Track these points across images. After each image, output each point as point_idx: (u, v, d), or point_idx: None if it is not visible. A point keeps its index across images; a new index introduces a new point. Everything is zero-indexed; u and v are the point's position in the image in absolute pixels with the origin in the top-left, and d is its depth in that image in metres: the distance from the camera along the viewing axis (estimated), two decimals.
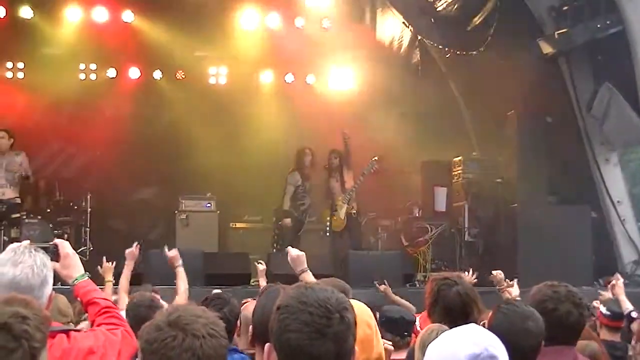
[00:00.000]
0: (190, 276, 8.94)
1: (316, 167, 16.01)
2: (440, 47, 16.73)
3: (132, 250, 8.91)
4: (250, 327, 4.26)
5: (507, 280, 8.67)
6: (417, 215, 17.06)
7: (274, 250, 15.87)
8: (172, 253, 8.61)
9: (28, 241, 4.33)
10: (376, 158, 15.52)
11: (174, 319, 3.01)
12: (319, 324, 2.86)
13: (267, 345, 3.00)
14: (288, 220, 15.83)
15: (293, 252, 6.46)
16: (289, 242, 15.46)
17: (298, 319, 2.88)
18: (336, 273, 11.76)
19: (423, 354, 4.16)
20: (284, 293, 3.05)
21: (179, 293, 8.26)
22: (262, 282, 9.16)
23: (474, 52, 15.56)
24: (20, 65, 17.88)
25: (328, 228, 15.58)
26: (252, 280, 14.78)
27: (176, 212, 17.08)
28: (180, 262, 8.61)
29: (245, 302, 6.18)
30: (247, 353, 5.23)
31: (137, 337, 3.10)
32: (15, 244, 4.23)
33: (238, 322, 5.80)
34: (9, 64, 17.82)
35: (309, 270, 6.52)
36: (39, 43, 17.53)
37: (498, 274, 8.95)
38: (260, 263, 9.62)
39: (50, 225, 15.79)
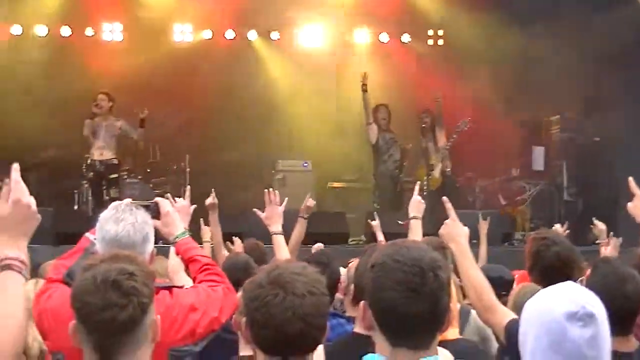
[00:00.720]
0: (287, 237, 8.99)
1: (404, 126, 16.00)
2: None
3: (212, 202, 8.90)
4: (352, 286, 4.27)
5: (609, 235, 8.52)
6: (515, 174, 16.91)
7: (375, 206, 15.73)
8: (210, 200, 8.52)
9: (129, 199, 4.40)
10: (469, 118, 15.40)
11: (274, 277, 3.03)
12: (413, 283, 2.86)
13: (361, 303, 3.01)
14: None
15: (417, 197, 6.52)
16: (388, 200, 15.48)
17: (391, 277, 2.88)
18: (436, 232, 11.67)
19: (517, 312, 4.14)
20: (378, 251, 3.05)
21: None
22: (380, 236, 9.06)
23: None
24: (119, 27, 18.05)
25: (426, 187, 15.52)
26: (350, 240, 14.85)
27: (273, 171, 17.20)
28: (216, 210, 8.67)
29: (351, 262, 6.20)
30: (353, 316, 5.25)
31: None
32: (117, 202, 4.31)
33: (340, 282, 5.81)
34: (108, 26, 18.00)
35: (420, 219, 6.53)
36: (136, 5, 17.73)
37: (600, 225, 8.75)
38: (374, 219, 9.53)
39: (150, 186, 16.04)
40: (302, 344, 3.03)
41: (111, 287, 2.93)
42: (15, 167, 3.36)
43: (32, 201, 3.37)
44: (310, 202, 8.80)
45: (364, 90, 15.67)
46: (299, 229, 8.61)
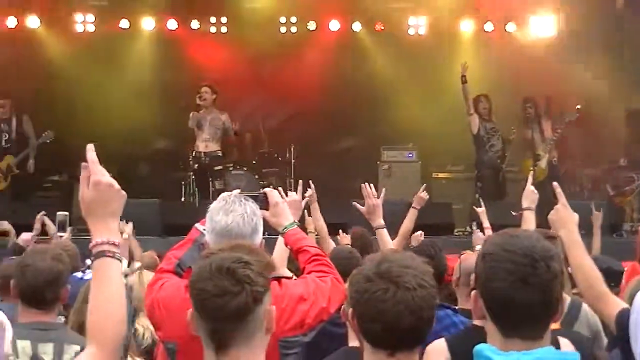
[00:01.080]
0: (396, 227, 8.99)
1: (509, 116, 15.83)
2: None
3: (311, 193, 8.93)
4: (472, 276, 4.23)
5: None
6: (623, 164, 16.60)
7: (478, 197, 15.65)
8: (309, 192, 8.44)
9: (238, 190, 4.42)
10: (578, 107, 15.16)
11: (384, 270, 3.01)
12: (524, 273, 2.84)
13: (473, 292, 2.98)
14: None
15: (530, 187, 6.49)
16: (490, 190, 15.33)
17: (502, 267, 2.87)
18: (542, 222, 11.55)
19: (630, 302, 4.05)
20: (489, 240, 3.02)
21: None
22: (486, 222, 8.97)
23: None
24: (224, 19, 18.21)
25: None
26: (455, 230, 14.75)
27: (378, 162, 17.18)
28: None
29: (463, 254, 6.15)
30: (465, 308, 5.23)
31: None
32: (226, 193, 4.34)
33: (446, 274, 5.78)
34: (213, 19, 18.17)
35: (533, 210, 6.48)
36: None
37: None
38: (480, 206, 9.45)
39: (256, 177, 16.16)
40: (411, 338, 3.02)
41: (225, 274, 2.95)
42: (90, 147, 3.26)
43: (112, 181, 3.23)
44: (424, 194, 8.82)
45: (464, 82, 15.54)
46: (410, 219, 8.61)
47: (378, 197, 6.87)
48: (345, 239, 8.69)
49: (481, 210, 9.15)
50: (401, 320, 2.95)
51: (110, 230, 3.14)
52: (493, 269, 2.88)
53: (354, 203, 7.24)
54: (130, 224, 7.21)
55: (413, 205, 8.80)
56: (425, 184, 9.51)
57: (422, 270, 3.06)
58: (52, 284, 4.68)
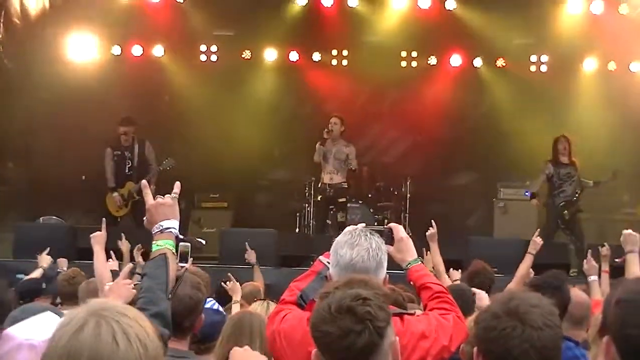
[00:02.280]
0: (510, 266, 8.92)
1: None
2: None
3: (432, 232, 8.92)
4: (600, 316, 4.18)
5: None
6: None
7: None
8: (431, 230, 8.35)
9: (364, 224, 4.42)
10: None
11: (512, 308, 2.99)
12: None
13: (605, 338, 2.92)
14: (535, 201, 15.70)
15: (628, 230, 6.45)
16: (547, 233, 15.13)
17: (637, 314, 2.78)
18: None
19: None
20: (623, 286, 2.96)
21: None
22: (605, 266, 8.77)
23: None
24: (345, 52, 18.30)
25: None
26: (571, 271, 14.49)
27: (494, 199, 17.04)
28: None
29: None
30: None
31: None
32: (351, 227, 4.33)
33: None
34: (334, 52, 18.27)
35: (636, 253, 6.39)
36: (362, 31, 17.95)
37: None
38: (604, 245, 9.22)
39: (371, 210, 16.17)
40: None
41: (346, 314, 2.94)
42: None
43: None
44: (539, 239, 8.78)
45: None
46: (526, 264, 8.62)
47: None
48: (455, 274, 8.65)
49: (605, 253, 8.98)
50: (527, 359, 2.91)
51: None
52: (627, 315, 2.79)
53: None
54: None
55: (529, 250, 8.78)
56: (539, 229, 9.42)
57: (549, 310, 3.06)
58: (191, 312, 4.72)
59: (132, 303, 5.13)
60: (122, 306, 2.46)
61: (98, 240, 7.70)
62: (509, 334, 2.95)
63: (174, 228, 3.95)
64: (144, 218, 4.05)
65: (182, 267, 7.75)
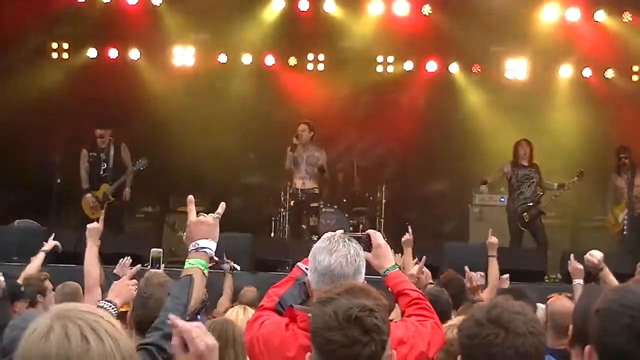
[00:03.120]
0: (486, 271, 8.96)
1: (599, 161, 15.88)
2: None
3: (408, 238, 8.95)
4: (570, 327, 4.19)
5: None
6: None
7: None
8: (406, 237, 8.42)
9: (342, 230, 4.43)
10: None
11: (494, 316, 3.01)
12: None
13: (587, 347, 2.94)
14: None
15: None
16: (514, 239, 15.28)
17: (618, 323, 2.80)
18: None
19: None
20: (603, 295, 2.98)
21: None
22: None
23: None
24: (321, 57, 18.28)
25: (626, 226, 15.15)
26: (545, 277, 14.56)
27: (469, 205, 17.09)
28: None
29: (551, 297, 6.12)
30: (553, 349, 5.17)
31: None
32: (329, 233, 4.34)
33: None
34: (310, 56, 18.25)
35: (605, 268, 6.43)
36: (338, 36, 17.94)
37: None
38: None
39: (346, 215, 16.17)
40: None
41: (354, 324, 2.96)
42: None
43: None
44: (493, 239, 8.83)
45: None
46: (493, 268, 8.66)
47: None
48: (428, 276, 8.63)
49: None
50: None
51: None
52: (608, 324, 2.82)
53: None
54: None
55: (489, 254, 8.82)
56: (491, 229, 9.42)
57: (532, 317, 3.10)
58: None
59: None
60: (85, 306, 2.44)
61: (93, 233, 7.38)
62: (492, 341, 2.98)
63: (209, 248, 3.94)
64: (184, 234, 4.05)
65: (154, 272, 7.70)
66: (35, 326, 2.34)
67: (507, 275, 9.20)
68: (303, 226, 15.68)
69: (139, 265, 5.89)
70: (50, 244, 9.18)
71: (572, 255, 8.60)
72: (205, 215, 4.03)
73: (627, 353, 2.77)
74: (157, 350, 3.46)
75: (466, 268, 7.72)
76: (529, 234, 15.62)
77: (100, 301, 5.33)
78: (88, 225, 7.45)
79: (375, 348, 2.96)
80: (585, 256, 6.86)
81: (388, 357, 3.02)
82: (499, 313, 3.02)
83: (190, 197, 4.17)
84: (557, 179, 15.88)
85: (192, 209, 4.08)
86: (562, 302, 6.14)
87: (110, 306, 5.15)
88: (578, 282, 8.08)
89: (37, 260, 8.65)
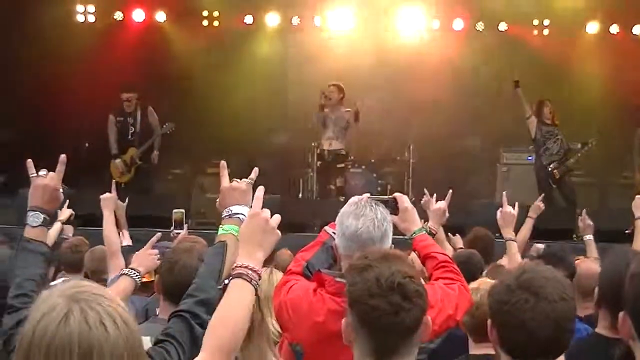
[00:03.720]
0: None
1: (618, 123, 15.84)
2: None
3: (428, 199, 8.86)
4: (597, 289, 4.19)
5: None
6: None
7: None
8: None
9: (369, 194, 4.44)
10: None
11: (524, 281, 3.02)
12: None
13: (621, 313, 2.93)
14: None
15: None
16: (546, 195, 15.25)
17: None
18: None
19: None
20: (637, 260, 2.96)
21: None
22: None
23: None
24: (349, 14, 18.13)
25: None
26: (574, 235, 14.51)
27: (497, 164, 17.04)
28: None
29: (578, 259, 6.11)
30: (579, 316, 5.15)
31: None
32: (356, 197, 4.35)
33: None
34: (338, 14, 18.09)
35: None
36: None
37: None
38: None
39: (374, 176, 16.15)
40: (552, 349, 3.02)
41: (397, 291, 2.97)
42: (260, 188, 3.68)
43: (269, 216, 3.53)
44: (541, 204, 8.77)
45: (517, 86, 15.79)
46: (527, 228, 8.59)
47: (501, 206, 6.86)
48: (459, 242, 8.63)
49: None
50: (541, 332, 2.97)
51: (255, 259, 3.39)
52: None
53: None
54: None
55: (529, 214, 8.77)
56: (543, 194, 9.41)
57: (563, 282, 3.10)
58: None
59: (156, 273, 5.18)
60: (95, 286, 2.43)
61: (108, 203, 7.50)
62: (522, 306, 2.99)
63: (242, 214, 3.83)
64: (217, 200, 3.97)
65: (177, 233, 7.74)
66: (50, 306, 2.32)
67: (541, 246, 9.13)
68: (331, 187, 15.68)
69: (159, 233, 5.88)
70: (65, 213, 9.19)
71: (584, 211, 8.64)
72: (238, 180, 3.97)
73: None
74: (192, 317, 3.48)
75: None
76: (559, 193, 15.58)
77: (125, 269, 5.36)
78: (101, 196, 7.55)
79: (418, 314, 2.97)
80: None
81: (425, 323, 3.03)
82: (529, 278, 3.02)
83: (223, 162, 4.08)
84: (584, 135, 15.82)
85: (224, 174, 4.00)
86: (588, 265, 6.13)
87: (135, 274, 5.18)
88: (588, 237, 8.16)
89: (54, 230, 8.67)
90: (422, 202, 8.53)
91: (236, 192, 3.91)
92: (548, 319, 2.94)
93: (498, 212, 7.02)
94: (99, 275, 7.18)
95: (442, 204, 5.83)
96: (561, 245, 6.36)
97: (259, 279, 3.37)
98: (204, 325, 3.39)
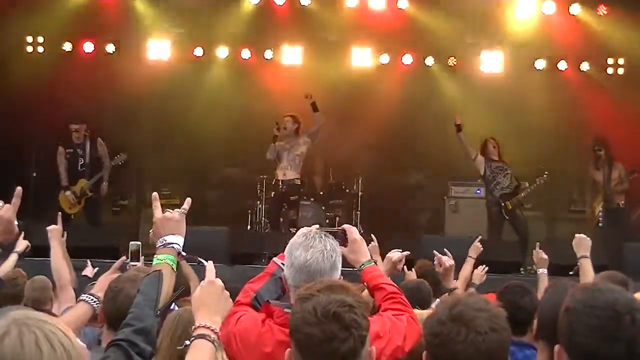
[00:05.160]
0: (459, 263, 8.97)
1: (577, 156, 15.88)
2: None
3: (375, 245, 8.88)
4: (535, 322, 4.23)
5: None
6: None
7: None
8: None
9: (317, 226, 4.46)
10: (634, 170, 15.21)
11: (456, 313, 3.03)
12: (607, 329, 2.83)
13: (557, 347, 2.98)
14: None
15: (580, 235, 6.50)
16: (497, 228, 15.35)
17: (586, 323, 2.86)
18: (611, 265, 11.53)
19: None
20: (571, 294, 3.01)
21: None
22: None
23: None
24: (298, 50, 18.19)
25: (601, 218, 15.22)
26: (522, 269, 14.62)
27: (445, 197, 17.14)
28: None
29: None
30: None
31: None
32: (305, 229, 4.38)
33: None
34: (288, 49, 18.14)
35: (589, 259, 6.43)
36: (314, 29, 17.91)
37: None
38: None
39: (323, 208, 16.19)
40: None
41: (332, 320, 2.98)
42: (210, 262, 3.99)
43: (222, 285, 3.80)
44: (479, 245, 8.77)
45: (459, 130, 15.84)
46: (468, 268, 8.60)
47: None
48: (412, 275, 8.64)
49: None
50: None
51: (212, 321, 3.62)
52: (575, 324, 2.88)
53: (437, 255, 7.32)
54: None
55: (469, 254, 8.78)
56: (480, 236, 9.39)
57: (495, 313, 3.09)
58: None
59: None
60: (44, 315, 2.50)
61: (55, 234, 7.54)
62: (454, 339, 2.99)
63: (177, 244, 3.98)
64: (150, 231, 4.08)
65: (133, 265, 7.70)
66: None
67: (484, 266, 9.14)
68: (281, 219, 15.70)
69: (123, 257, 5.88)
70: (22, 244, 9.08)
71: (538, 244, 8.67)
72: (171, 211, 4.05)
73: (594, 353, 2.82)
74: (129, 346, 3.49)
75: (435, 252, 7.68)
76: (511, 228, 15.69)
77: (84, 295, 5.33)
78: (48, 228, 7.57)
79: (354, 344, 2.97)
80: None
81: (368, 353, 3.04)
82: (460, 311, 3.03)
83: (155, 194, 4.22)
84: (533, 172, 15.97)
85: (157, 205, 4.12)
86: None
87: (93, 300, 5.16)
88: (542, 271, 8.12)
89: (10, 262, 8.56)
90: (369, 247, 8.53)
91: (170, 222, 4.03)
92: (479, 350, 2.96)
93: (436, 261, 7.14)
94: (39, 305, 7.10)
95: (395, 256, 5.82)
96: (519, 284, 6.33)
97: (218, 338, 3.56)
98: (142, 354, 3.46)
